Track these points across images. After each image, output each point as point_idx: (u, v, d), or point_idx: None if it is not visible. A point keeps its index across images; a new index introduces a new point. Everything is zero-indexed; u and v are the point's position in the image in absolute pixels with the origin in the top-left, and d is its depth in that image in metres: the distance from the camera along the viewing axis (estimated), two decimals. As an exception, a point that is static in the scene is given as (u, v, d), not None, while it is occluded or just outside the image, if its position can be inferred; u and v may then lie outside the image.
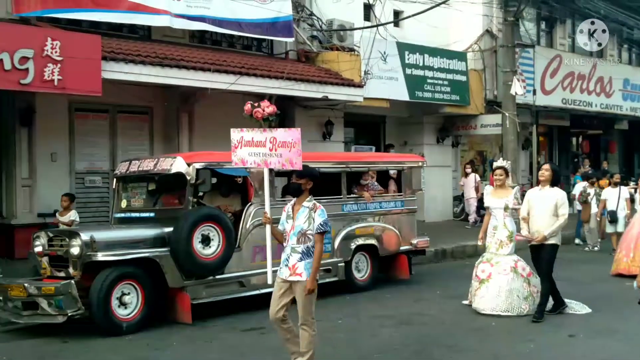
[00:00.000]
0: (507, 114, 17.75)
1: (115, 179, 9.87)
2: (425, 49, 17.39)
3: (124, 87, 12.01)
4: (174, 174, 8.79)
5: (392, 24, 17.08)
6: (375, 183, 11.21)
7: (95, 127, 13.11)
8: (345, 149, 17.18)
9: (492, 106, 19.14)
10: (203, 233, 8.47)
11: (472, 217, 17.86)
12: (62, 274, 8.15)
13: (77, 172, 12.83)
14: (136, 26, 13.16)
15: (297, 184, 6.13)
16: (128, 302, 8.01)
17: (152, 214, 9.19)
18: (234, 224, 8.92)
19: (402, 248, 11.19)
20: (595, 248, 15.12)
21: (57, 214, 10.92)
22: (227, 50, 14.53)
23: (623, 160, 27.68)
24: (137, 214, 9.35)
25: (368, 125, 18.88)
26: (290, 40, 15.08)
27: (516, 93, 17.55)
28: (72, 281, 7.78)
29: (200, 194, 8.97)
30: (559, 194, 8.53)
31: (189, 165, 8.70)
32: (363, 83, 15.26)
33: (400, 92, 16.73)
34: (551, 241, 8.47)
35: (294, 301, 6.04)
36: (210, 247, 8.54)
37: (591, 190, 15.32)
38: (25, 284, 7.97)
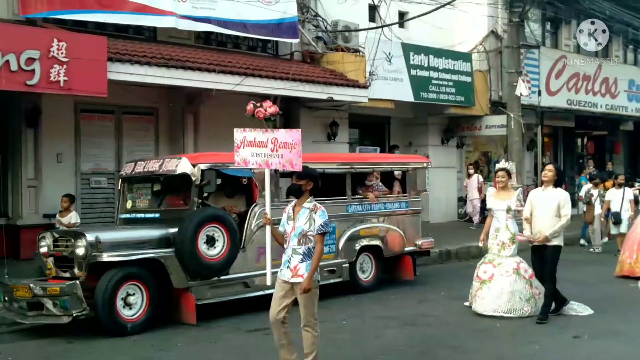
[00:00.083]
0: (512, 115, 17.73)
1: (120, 180, 9.90)
2: (430, 49, 17.40)
3: (130, 88, 12.04)
4: (179, 175, 8.81)
5: (397, 25, 17.11)
6: (380, 184, 11.22)
7: (101, 128, 13.15)
8: (350, 150, 17.20)
9: (497, 107, 19.14)
10: (208, 234, 8.49)
11: (477, 218, 17.84)
12: (67, 275, 8.17)
13: (83, 173, 12.87)
14: (142, 27, 13.20)
15: (297, 185, 6.12)
16: (133, 303, 8.02)
17: (157, 215, 9.22)
18: (238, 225, 8.93)
19: (406, 249, 11.19)
20: (597, 250, 15.09)
21: (57, 215, 10.94)
22: (233, 51, 14.56)
23: (628, 161, 27.62)
24: (142, 215, 9.38)
25: (373, 126, 18.90)
26: (295, 41, 15.10)
27: (521, 94, 17.53)
28: (77, 282, 7.79)
29: (205, 194, 8.99)
30: (561, 194, 8.52)
31: (194, 166, 8.72)
32: (368, 84, 15.27)
33: (405, 93, 16.74)
34: (554, 242, 8.44)
35: (295, 303, 6.04)
36: (215, 247, 8.56)
37: (595, 191, 15.30)
38: (31, 285, 7.99)
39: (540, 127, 20.32)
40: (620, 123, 25.30)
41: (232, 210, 9.48)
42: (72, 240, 8.12)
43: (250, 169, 8.05)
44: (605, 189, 15.24)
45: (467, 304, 9.21)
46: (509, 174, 9.15)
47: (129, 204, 9.69)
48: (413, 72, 16.85)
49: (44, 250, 8.45)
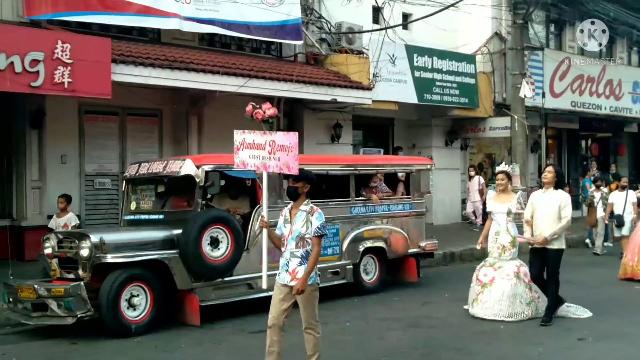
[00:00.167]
0: (516, 117, 17.70)
1: (124, 181, 9.92)
2: (434, 51, 17.39)
3: (134, 89, 12.06)
4: (183, 176, 8.83)
5: (401, 27, 17.11)
6: (384, 185, 11.22)
7: (105, 130, 13.18)
8: (354, 152, 17.19)
9: (501, 109, 19.11)
10: (212, 235, 8.50)
11: (479, 220, 17.80)
12: (71, 276, 8.19)
13: (87, 174, 12.89)
14: (146, 29, 13.21)
15: (293, 187, 6.11)
16: (137, 304, 8.04)
17: (161, 216, 9.23)
18: (242, 227, 8.94)
19: (410, 251, 11.19)
20: (597, 251, 15.06)
21: (54, 216, 10.91)
22: (236, 53, 14.58)
23: (632, 163, 27.55)
24: (146, 216, 9.39)
25: (376, 128, 18.89)
26: (299, 43, 15.12)
27: (525, 96, 17.50)
28: (82, 283, 7.81)
29: (209, 196, 9.00)
30: (562, 196, 8.49)
31: (198, 167, 8.74)
32: (372, 86, 15.27)
33: (408, 95, 16.73)
34: (555, 246, 8.41)
35: (295, 306, 6.02)
36: (219, 249, 8.57)
37: (597, 194, 15.27)
38: (35, 286, 8.01)
39: (544, 129, 20.26)
40: (624, 125, 25.24)
41: (235, 212, 9.48)
42: (77, 242, 8.15)
43: (253, 170, 8.06)
44: (611, 191, 15.22)
45: (466, 307, 9.18)
46: (508, 176, 9.13)
47: (133, 206, 9.70)
48: (417, 73, 16.84)
49: (48, 251, 8.47)
